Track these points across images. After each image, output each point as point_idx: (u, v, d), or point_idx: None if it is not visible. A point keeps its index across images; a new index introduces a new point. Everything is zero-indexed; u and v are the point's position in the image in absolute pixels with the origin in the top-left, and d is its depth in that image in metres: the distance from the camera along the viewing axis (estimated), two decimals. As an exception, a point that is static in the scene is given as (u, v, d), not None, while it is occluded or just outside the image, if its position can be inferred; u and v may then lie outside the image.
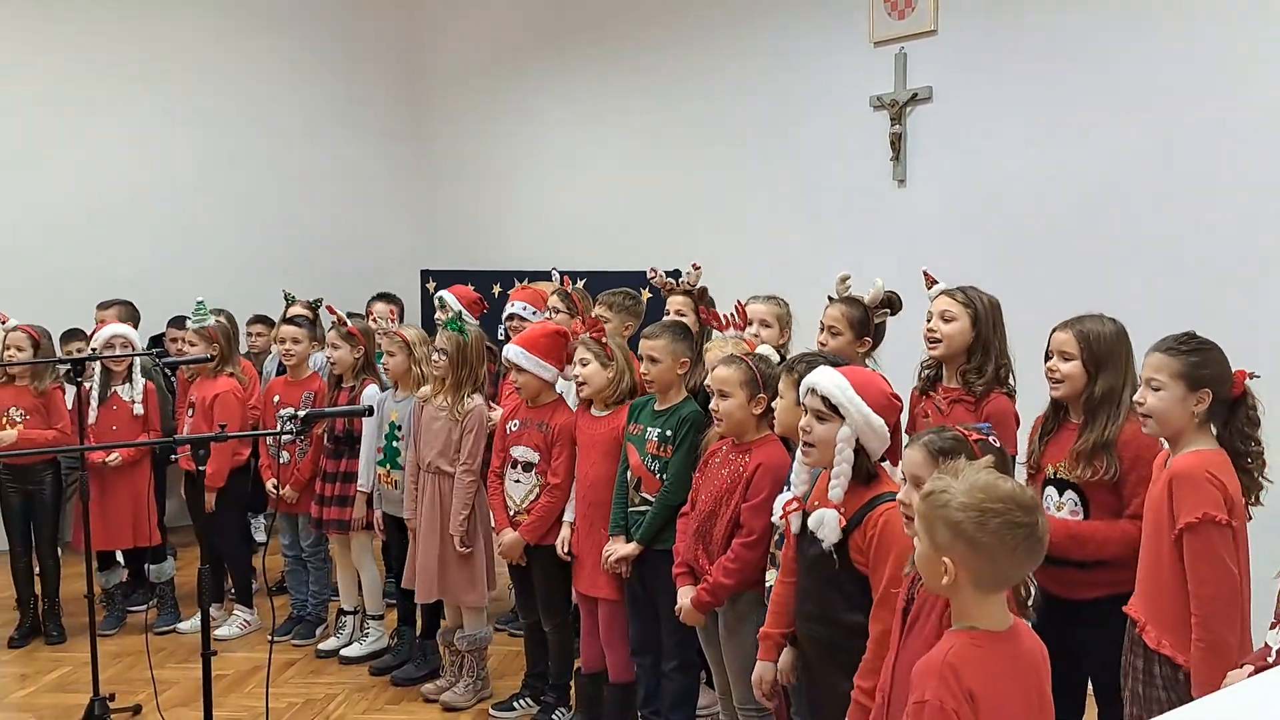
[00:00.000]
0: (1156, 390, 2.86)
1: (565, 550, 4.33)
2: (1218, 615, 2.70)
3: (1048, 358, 3.32)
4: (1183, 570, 2.76)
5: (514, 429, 4.50)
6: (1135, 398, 2.95)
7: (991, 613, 2.15)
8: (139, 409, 5.66)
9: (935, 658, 2.12)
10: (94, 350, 5.64)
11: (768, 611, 3.23)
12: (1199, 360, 2.85)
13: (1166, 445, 2.97)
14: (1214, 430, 2.89)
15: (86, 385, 5.63)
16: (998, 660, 2.12)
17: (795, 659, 3.16)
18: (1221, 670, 2.66)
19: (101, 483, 5.57)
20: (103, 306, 6.39)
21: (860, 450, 2.86)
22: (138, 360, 5.68)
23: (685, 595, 3.66)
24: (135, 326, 6.25)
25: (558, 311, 5.13)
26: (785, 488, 3.32)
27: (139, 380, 5.70)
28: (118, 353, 5.62)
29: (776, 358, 3.71)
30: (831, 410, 2.90)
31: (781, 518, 3.09)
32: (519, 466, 4.47)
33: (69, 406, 5.56)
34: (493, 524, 4.63)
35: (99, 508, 5.53)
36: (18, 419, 5.55)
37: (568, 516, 4.37)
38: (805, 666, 3.08)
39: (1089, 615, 3.18)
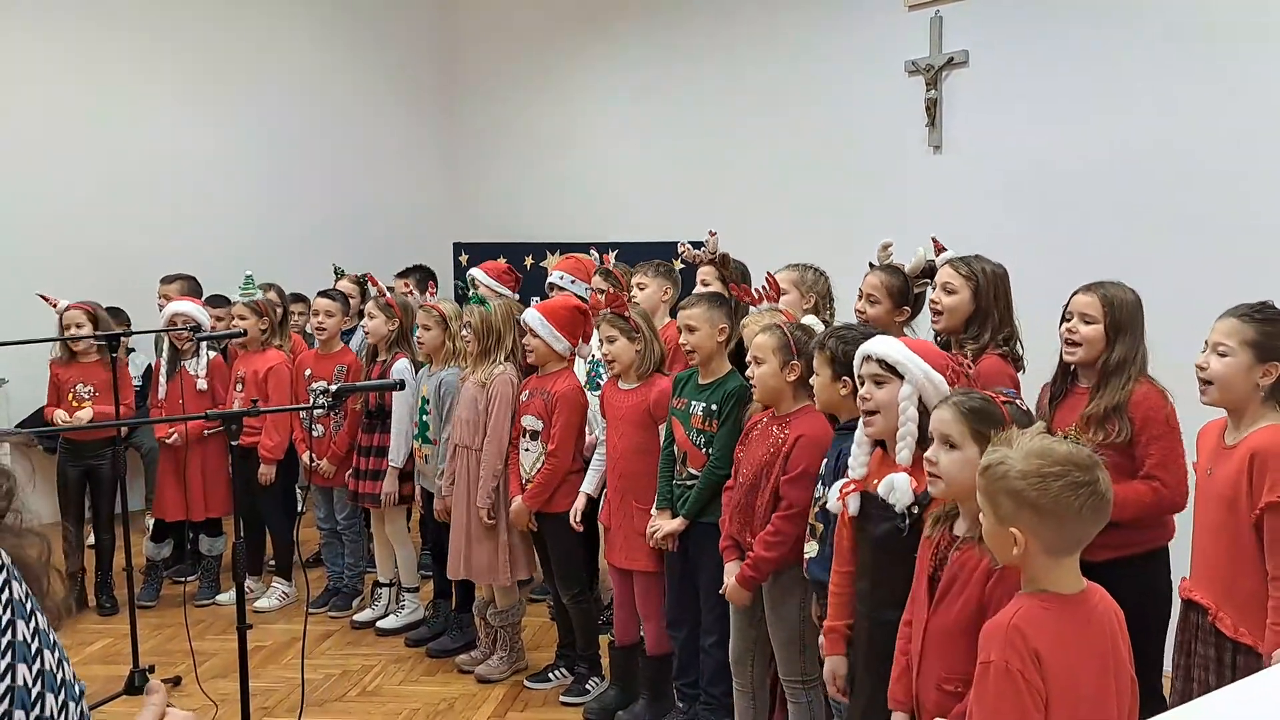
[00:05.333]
0: (1223, 355, 2.78)
1: (578, 520, 4.37)
2: None
3: (1065, 319, 3.29)
4: (1263, 552, 2.67)
5: (524, 399, 4.55)
6: (1197, 362, 2.87)
7: (1063, 576, 2.14)
8: (201, 384, 5.69)
9: (1002, 620, 2.12)
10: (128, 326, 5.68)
11: (829, 603, 3.12)
12: (1273, 330, 2.76)
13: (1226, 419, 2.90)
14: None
15: (160, 360, 5.75)
16: (1068, 622, 2.10)
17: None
18: None
19: (174, 456, 5.66)
20: (166, 281, 6.40)
21: (924, 413, 2.80)
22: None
23: (733, 573, 3.61)
24: (199, 300, 6.30)
25: (602, 291, 5.10)
26: (826, 467, 3.29)
27: (204, 355, 5.74)
28: (181, 330, 5.65)
29: (821, 328, 3.66)
30: (889, 372, 2.86)
31: (839, 499, 3.02)
32: (527, 435, 4.52)
33: (134, 381, 5.62)
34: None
35: (173, 480, 5.66)
36: (85, 395, 5.58)
37: (585, 487, 4.40)
38: (872, 654, 2.92)
39: (1100, 577, 3.13)
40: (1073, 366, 3.32)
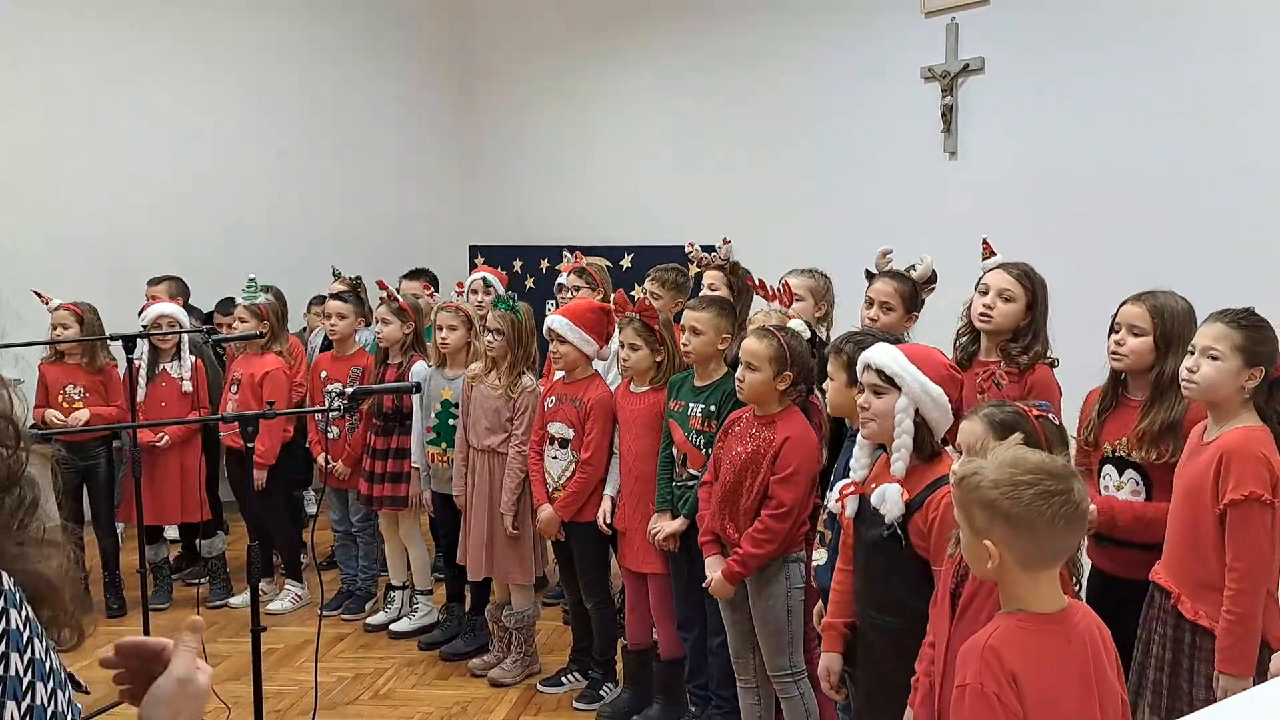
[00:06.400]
0: (1214, 360, 2.83)
1: (606, 522, 4.34)
2: (1250, 591, 2.75)
3: (1114, 330, 3.24)
4: (1224, 544, 2.79)
5: (551, 405, 4.51)
6: (1187, 364, 2.90)
7: (1042, 594, 2.10)
8: (187, 386, 5.70)
9: (979, 641, 2.10)
10: (144, 328, 5.67)
11: (829, 601, 3.17)
12: (1259, 337, 2.84)
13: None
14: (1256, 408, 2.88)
15: (137, 362, 5.69)
16: (1046, 642, 2.08)
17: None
18: (1248, 643, 2.75)
19: (150, 459, 5.62)
20: (153, 283, 6.42)
21: (922, 424, 2.81)
22: (185, 338, 5.71)
23: (714, 567, 3.68)
24: (185, 302, 6.30)
25: (577, 289, 5.12)
26: (836, 473, 3.29)
27: (187, 358, 5.74)
28: (165, 332, 5.65)
29: (807, 333, 3.67)
30: (887, 383, 2.85)
31: (838, 501, 3.03)
32: (555, 442, 4.48)
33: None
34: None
35: (148, 483, 5.58)
36: (75, 397, 5.58)
37: (608, 490, 4.37)
38: (866, 656, 2.98)
39: (1144, 596, 3.14)
40: (1123, 376, 3.27)
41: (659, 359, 4.22)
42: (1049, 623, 2.09)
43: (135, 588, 5.10)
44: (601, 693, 4.57)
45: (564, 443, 4.45)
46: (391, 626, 5.42)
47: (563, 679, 4.71)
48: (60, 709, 1.05)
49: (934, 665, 2.56)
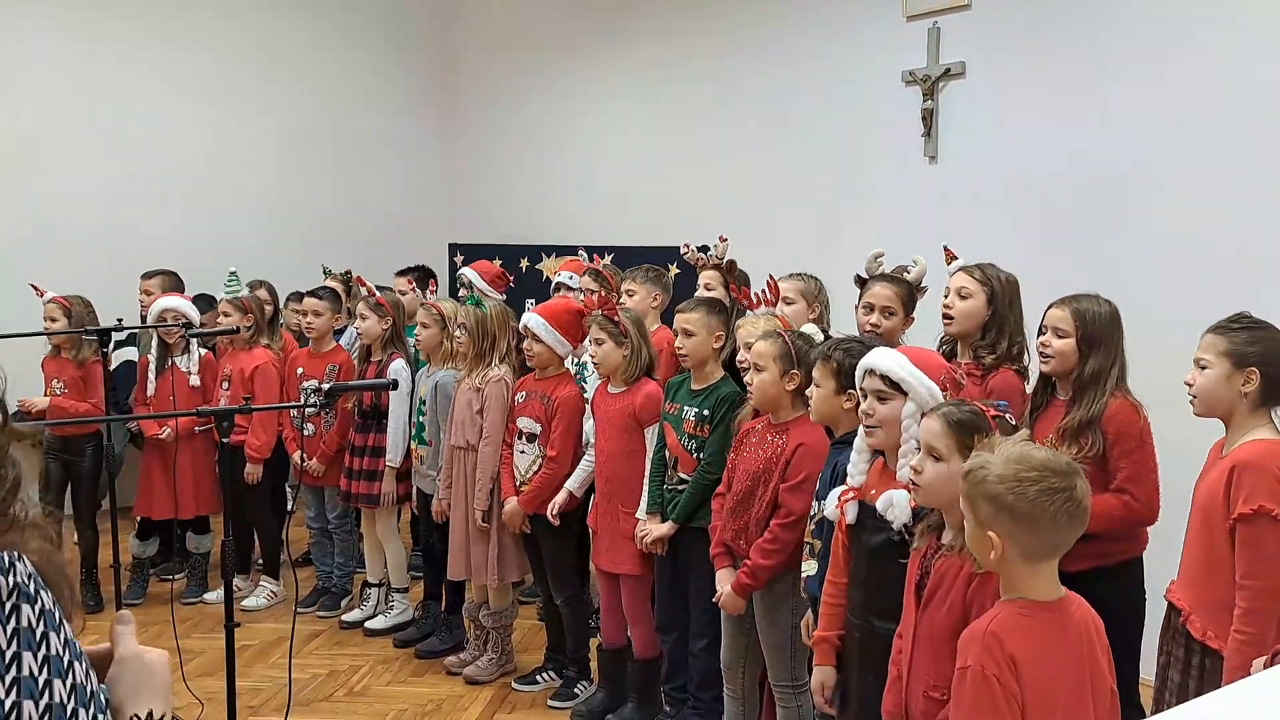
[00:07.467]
0: (1204, 369, 2.85)
1: (554, 513, 4.36)
2: (1262, 609, 2.68)
3: (1040, 333, 3.33)
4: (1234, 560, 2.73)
5: (521, 400, 4.53)
6: (1185, 379, 2.93)
7: (1041, 583, 2.18)
8: (195, 380, 5.68)
9: (980, 626, 2.16)
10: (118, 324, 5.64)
11: (820, 614, 3.12)
12: (1247, 338, 2.83)
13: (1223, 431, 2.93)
14: (1275, 418, 2.85)
15: (148, 356, 5.75)
16: (1045, 628, 2.14)
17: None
18: None
19: (163, 454, 5.62)
20: (147, 276, 6.38)
21: None
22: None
23: (725, 580, 3.62)
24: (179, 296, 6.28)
25: (592, 291, 5.10)
26: (821, 480, 3.28)
27: (195, 352, 5.72)
28: (170, 327, 5.65)
29: (820, 337, 3.65)
30: (893, 388, 2.86)
31: (837, 508, 3.00)
32: (524, 437, 4.50)
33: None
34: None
35: (164, 478, 5.59)
36: (58, 390, 5.56)
37: (569, 484, 4.40)
38: (864, 664, 2.92)
39: (1077, 586, 3.15)
40: (1052, 379, 3.36)
41: (625, 353, 4.21)
42: (1047, 611, 2.16)
43: (110, 583, 5.07)
44: (576, 691, 4.57)
45: (531, 437, 4.48)
46: (367, 624, 5.41)
47: (537, 677, 4.72)
48: (95, 686, 1.06)
49: (901, 655, 2.59)
